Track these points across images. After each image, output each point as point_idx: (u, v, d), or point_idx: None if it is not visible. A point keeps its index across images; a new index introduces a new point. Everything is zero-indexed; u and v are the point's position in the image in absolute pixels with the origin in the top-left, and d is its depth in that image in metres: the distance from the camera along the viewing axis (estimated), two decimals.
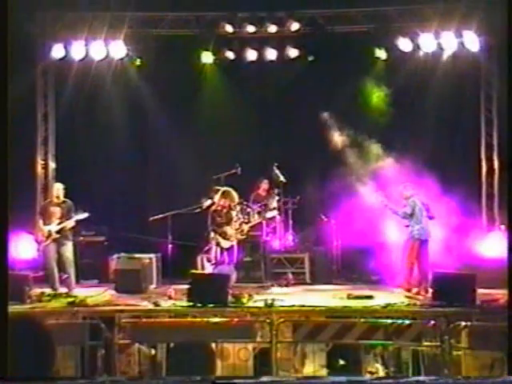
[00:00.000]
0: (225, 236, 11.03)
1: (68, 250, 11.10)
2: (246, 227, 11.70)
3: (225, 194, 11.17)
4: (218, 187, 11.68)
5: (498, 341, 7.46)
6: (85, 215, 11.06)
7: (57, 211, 11.05)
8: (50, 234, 10.96)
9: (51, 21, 13.13)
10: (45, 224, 11.08)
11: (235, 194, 11.29)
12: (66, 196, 11.21)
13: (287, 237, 13.17)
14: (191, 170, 13.59)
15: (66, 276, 11.15)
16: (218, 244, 11.06)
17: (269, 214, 12.57)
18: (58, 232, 10.97)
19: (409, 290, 10.72)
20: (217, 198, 11.25)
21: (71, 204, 11.16)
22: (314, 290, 11.77)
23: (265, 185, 13.24)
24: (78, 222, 11.15)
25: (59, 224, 10.99)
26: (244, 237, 11.57)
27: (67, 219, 11.01)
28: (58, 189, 11.27)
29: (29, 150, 13.39)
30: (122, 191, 13.64)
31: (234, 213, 11.25)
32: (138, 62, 13.54)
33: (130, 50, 13.35)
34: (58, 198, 11.17)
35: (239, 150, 13.39)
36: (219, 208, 11.15)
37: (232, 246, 11.17)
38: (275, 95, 13.76)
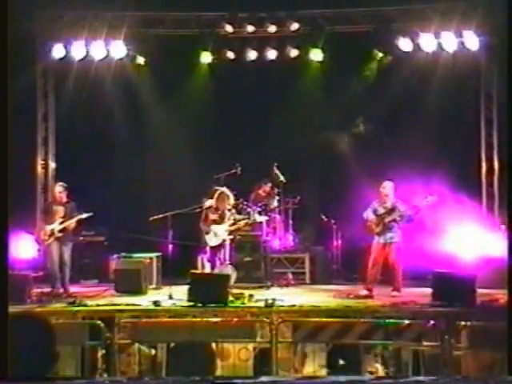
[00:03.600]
0: (212, 234, 11.11)
1: (68, 250, 11.10)
2: (236, 227, 11.69)
3: (222, 195, 11.24)
4: (217, 188, 11.70)
5: (497, 341, 7.45)
6: (88, 214, 11.06)
7: (60, 210, 11.04)
8: (52, 233, 10.95)
9: (51, 20, 13.12)
10: (47, 223, 11.08)
11: (231, 196, 11.34)
12: (68, 196, 11.21)
13: (287, 237, 13.17)
14: (191, 170, 13.60)
15: (62, 276, 11.14)
16: (204, 241, 11.12)
17: (259, 218, 12.54)
18: (60, 231, 10.97)
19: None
20: (213, 198, 11.31)
21: (74, 204, 11.16)
22: (313, 289, 11.77)
23: (267, 187, 13.18)
24: (80, 221, 11.16)
25: (62, 223, 10.99)
26: (232, 237, 11.60)
27: (70, 219, 11.02)
28: (60, 188, 11.25)
29: (29, 150, 13.39)
30: (121, 191, 13.64)
31: (228, 213, 11.29)
32: (140, 60, 13.53)
33: (130, 50, 13.35)
34: (60, 197, 11.16)
35: (239, 150, 13.40)
36: (214, 207, 11.22)
37: (223, 246, 11.23)
38: (275, 95, 13.76)
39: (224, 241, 11.29)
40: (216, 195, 11.32)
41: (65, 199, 11.16)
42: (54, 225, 10.99)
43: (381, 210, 10.97)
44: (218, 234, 11.20)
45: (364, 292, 10.82)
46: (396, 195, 11.08)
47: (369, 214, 11.02)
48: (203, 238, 11.34)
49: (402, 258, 10.92)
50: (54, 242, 10.98)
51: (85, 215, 11.05)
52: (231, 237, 11.55)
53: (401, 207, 10.86)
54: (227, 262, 11.39)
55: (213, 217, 11.24)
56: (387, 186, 10.98)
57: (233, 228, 11.46)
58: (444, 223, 11.61)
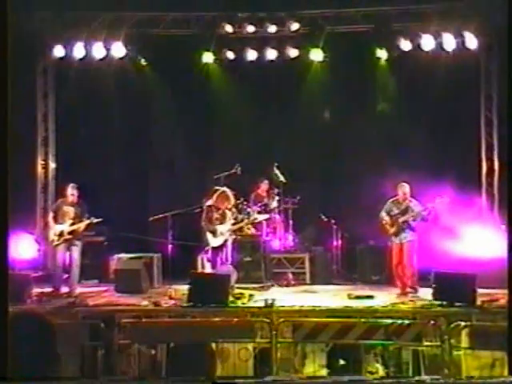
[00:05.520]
0: (214, 234, 11.03)
1: (77, 251, 11.09)
2: (237, 227, 11.66)
3: (222, 195, 11.16)
4: (217, 187, 11.67)
5: (498, 341, 7.45)
6: (98, 219, 11.03)
7: (70, 211, 11.02)
8: (61, 234, 10.94)
9: (51, 21, 13.11)
10: (57, 223, 11.06)
11: (232, 196, 11.27)
12: (79, 196, 11.17)
13: (287, 237, 13.16)
14: (191, 170, 13.60)
15: (66, 276, 11.15)
16: (207, 242, 11.09)
17: (260, 217, 12.51)
18: (70, 233, 10.96)
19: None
20: (213, 198, 11.25)
21: (85, 205, 11.13)
22: (314, 290, 11.77)
23: (264, 185, 13.25)
24: (90, 224, 11.12)
25: (72, 225, 10.97)
26: (234, 237, 11.56)
27: (80, 221, 10.99)
28: (72, 188, 11.20)
29: (29, 149, 13.39)
30: (122, 191, 13.64)
31: (229, 213, 11.23)
32: (140, 60, 13.52)
33: (130, 50, 13.35)
34: (73, 198, 11.13)
35: (239, 150, 13.40)
36: (215, 207, 11.16)
37: (225, 246, 11.17)
38: (275, 95, 13.76)
39: (226, 241, 11.21)
40: (217, 195, 11.24)
41: (76, 200, 11.15)
42: (64, 226, 10.97)
43: (395, 211, 11.06)
44: (220, 234, 11.09)
45: (398, 291, 10.86)
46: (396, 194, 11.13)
47: (383, 215, 11.10)
48: (205, 237, 11.23)
49: (417, 256, 10.92)
50: (63, 243, 10.97)
51: (95, 220, 11.02)
52: (234, 237, 11.49)
53: (415, 207, 10.91)
54: (228, 262, 11.32)
55: (214, 216, 11.15)
56: (404, 187, 11.05)
57: (234, 228, 11.41)
58: (444, 223, 11.59)
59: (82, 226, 11.01)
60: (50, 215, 11.36)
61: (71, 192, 11.17)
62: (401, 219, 10.92)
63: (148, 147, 14.37)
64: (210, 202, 11.43)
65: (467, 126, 13.22)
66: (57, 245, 11.00)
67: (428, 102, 13.09)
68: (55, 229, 11.01)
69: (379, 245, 12.35)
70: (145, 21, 13.36)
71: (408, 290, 10.81)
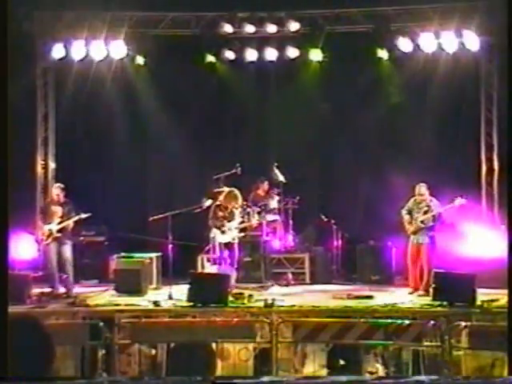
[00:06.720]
0: (222, 230, 11.00)
1: (68, 249, 11.11)
2: (244, 226, 11.66)
3: (231, 195, 11.15)
4: (224, 187, 11.67)
5: (498, 341, 7.45)
6: (86, 215, 11.06)
7: (58, 210, 11.06)
8: (50, 233, 10.97)
9: (51, 21, 13.11)
10: (45, 223, 11.09)
11: (240, 195, 11.27)
12: (66, 196, 11.24)
13: (287, 237, 13.15)
14: (191, 170, 13.60)
15: (65, 276, 11.16)
16: (215, 239, 11.04)
17: (270, 217, 12.52)
18: (59, 231, 10.98)
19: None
20: (221, 197, 11.23)
21: (72, 204, 11.16)
22: (313, 290, 11.77)
23: (264, 185, 13.22)
24: (78, 221, 11.15)
25: (60, 223, 11.00)
26: (242, 234, 11.54)
27: (68, 219, 11.03)
28: (58, 188, 11.28)
29: (29, 149, 13.39)
30: (122, 191, 13.64)
31: (237, 212, 11.23)
32: (140, 61, 13.46)
33: (130, 50, 13.34)
34: (58, 197, 11.18)
35: (239, 150, 13.39)
36: (223, 205, 11.14)
37: (232, 245, 11.13)
38: (275, 95, 13.76)
39: (234, 239, 11.16)
40: (225, 194, 11.22)
41: (62, 199, 11.18)
42: (52, 225, 11.00)
43: (416, 210, 11.02)
44: (228, 230, 11.06)
45: (410, 290, 10.84)
46: (396, 195, 11.12)
47: (404, 213, 11.06)
48: (211, 235, 11.14)
49: (434, 260, 10.83)
50: (53, 242, 11.00)
51: (83, 215, 11.06)
52: (242, 234, 11.46)
53: (435, 208, 10.88)
54: (234, 262, 11.23)
55: (222, 214, 11.11)
56: (423, 187, 11.00)
57: (241, 226, 11.40)
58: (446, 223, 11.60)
59: (70, 222, 11.04)
60: (38, 216, 11.40)
61: (56, 192, 11.25)
62: (420, 218, 10.88)
63: (148, 147, 14.36)
64: (209, 202, 11.43)
65: (467, 126, 13.21)
66: (47, 244, 11.02)
67: (428, 102, 13.09)
68: (44, 229, 11.06)
69: (379, 245, 12.37)
70: (145, 21, 13.36)
71: (421, 292, 10.68)
